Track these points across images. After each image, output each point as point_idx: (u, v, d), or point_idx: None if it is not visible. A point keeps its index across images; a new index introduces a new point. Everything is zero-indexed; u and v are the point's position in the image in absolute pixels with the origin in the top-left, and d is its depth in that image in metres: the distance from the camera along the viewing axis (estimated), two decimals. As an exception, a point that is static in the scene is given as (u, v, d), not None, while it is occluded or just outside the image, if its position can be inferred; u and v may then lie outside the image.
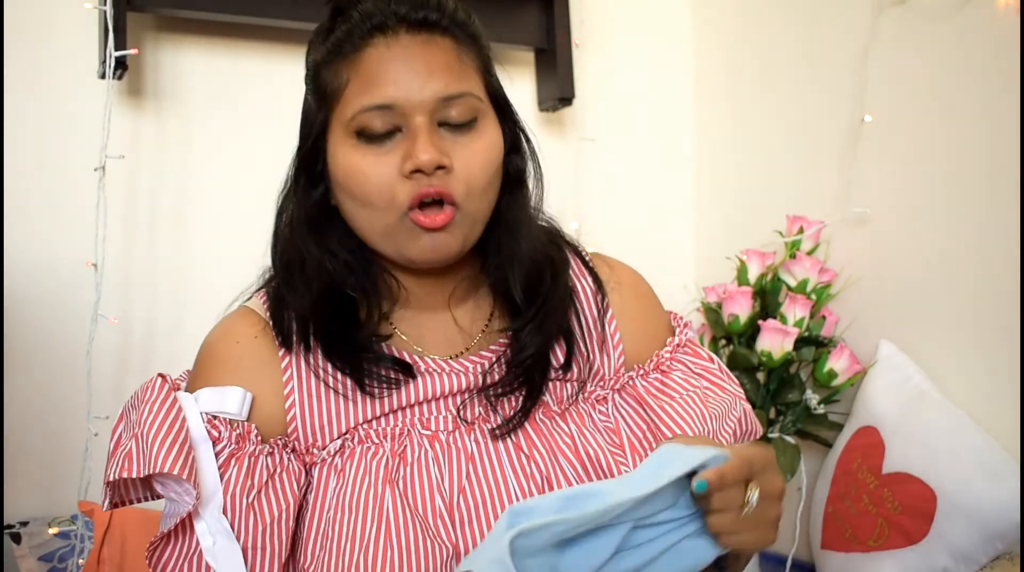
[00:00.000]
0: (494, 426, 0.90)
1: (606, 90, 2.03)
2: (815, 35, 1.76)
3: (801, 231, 1.64)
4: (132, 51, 1.50)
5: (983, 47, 1.42)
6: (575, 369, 0.94)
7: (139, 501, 0.89)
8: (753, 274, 1.67)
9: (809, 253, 1.63)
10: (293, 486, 0.87)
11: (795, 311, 1.56)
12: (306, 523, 0.88)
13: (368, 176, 0.83)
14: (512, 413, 0.90)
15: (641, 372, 0.96)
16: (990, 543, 1.30)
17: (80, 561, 1.43)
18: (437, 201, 0.83)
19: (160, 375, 0.88)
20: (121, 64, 1.51)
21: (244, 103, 1.75)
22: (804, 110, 1.78)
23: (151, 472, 0.79)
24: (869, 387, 1.52)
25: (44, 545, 1.45)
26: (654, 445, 0.92)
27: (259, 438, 0.87)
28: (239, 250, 1.73)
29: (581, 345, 0.95)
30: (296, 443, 0.89)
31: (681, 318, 1.03)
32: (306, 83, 0.90)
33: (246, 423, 0.88)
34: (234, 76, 1.74)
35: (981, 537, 1.30)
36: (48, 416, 1.58)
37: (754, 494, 0.75)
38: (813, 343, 1.60)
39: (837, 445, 1.55)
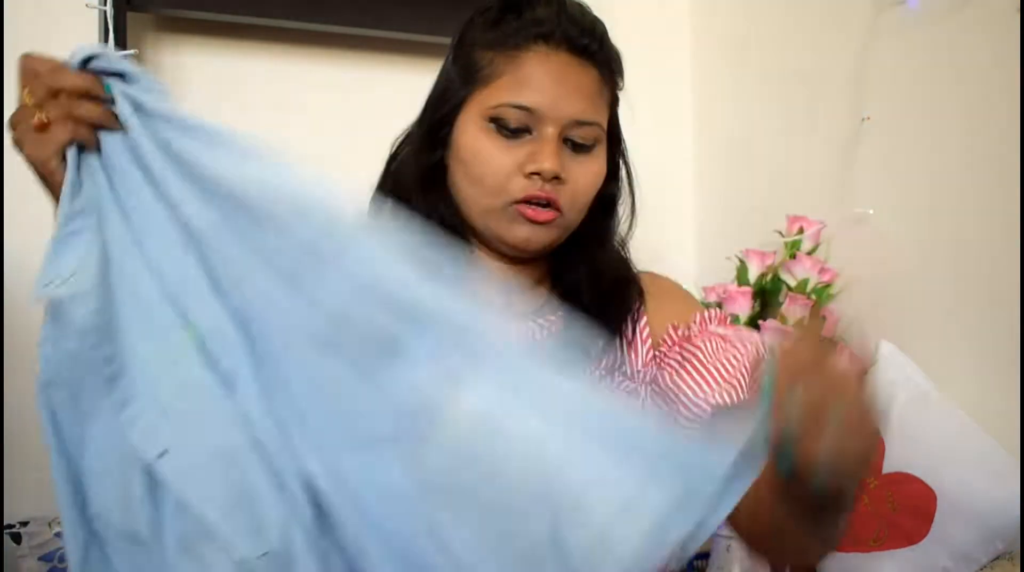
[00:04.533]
0: None
1: (606, 90, 2.03)
2: (815, 35, 1.76)
3: (801, 231, 1.64)
4: (132, 51, 1.51)
5: (983, 47, 1.42)
6: (605, 360, 0.98)
7: None
8: (753, 274, 1.66)
9: (809, 253, 1.63)
10: None
11: (795, 311, 1.56)
12: None
13: (490, 162, 0.90)
14: None
15: (664, 352, 1.00)
16: (990, 543, 1.30)
17: (80, 561, 1.43)
18: (544, 202, 0.91)
19: None
20: (121, 64, 1.51)
21: (244, 103, 1.74)
22: (804, 110, 1.78)
23: None
24: (869, 387, 1.52)
25: (44, 545, 1.45)
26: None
27: None
28: (239, 250, 1.74)
29: (614, 344, 1.00)
30: None
31: (717, 310, 1.07)
32: (454, 53, 0.96)
33: None
34: (234, 76, 1.74)
35: (981, 537, 1.30)
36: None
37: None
38: (813, 343, 1.59)
39: (837, 445, 1.55)
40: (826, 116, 1.71)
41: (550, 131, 0.90)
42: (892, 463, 1.42)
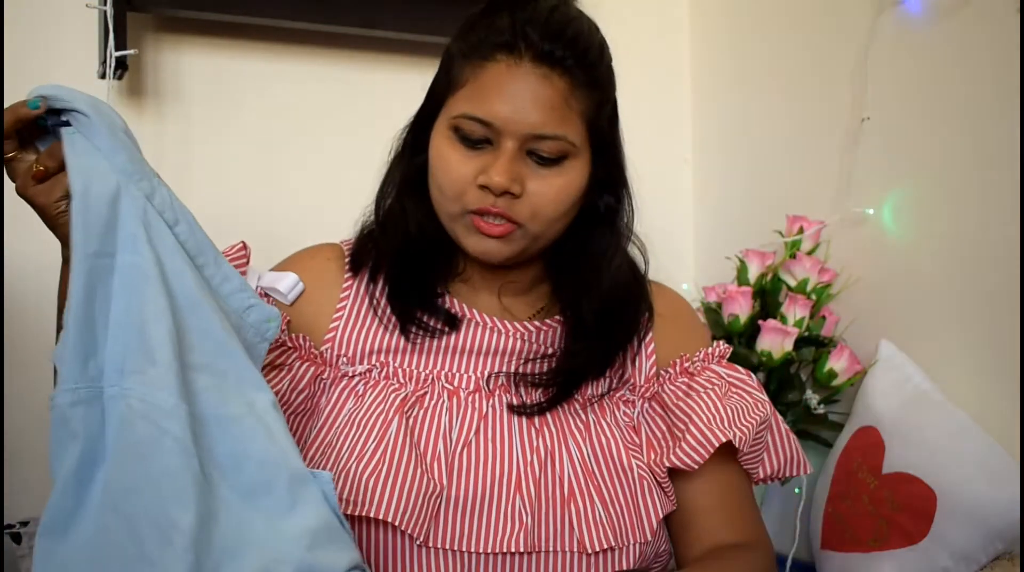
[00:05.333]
0: (514, 403, 0.94)
1: (606, 90, 2.02)
2: (815, 34, 1.76)
3: (801, 231, 1.64)
4: (132, 51, 1.51)
5: (983, 47, 1.42)
6: (607, 376, 0.99)
7: None
8: (753, 274, 1.67)
9: (809, 253, 1.63)
10: (283, 384, 0.93)
11: (795, 311, 1.56)
12: (313, 433, 0.93)
13: (450, 169, 0.90)
14: (536, 401, 0.95)
15: (670, 375, 1.00)
16: (990, 543, 1.30)
17: (80, 561, 1.43)
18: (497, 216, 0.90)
19: (243, 242, 1.00)
20: (121, 64, 1.51)
21: (244, 103, 1.75)
22: (804, 110, 1.78)
23: None
24: (869, 387, 1.52)
25: (44, 545, 1.45)
26: (670, 443, 0.95)
27: (286, 332, 0.95)
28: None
29: (618, 360, 1.00)
30: (327, 352, 0.96)
31: (723, 342, 1.06)
32: (442, 56, 0.95)
33: (284, 315, 0.95)
34: (234, 76, 1.74)
35: (981, 537, 1.30)
36: (48, 416, 1.57)
37: None
38: (813, 343, 1.60)
39: (837, 445, 1.55)
40: (826, 116, 1.71)
41: (509, 145, 0.88)
42: (892, 463, 1.42)
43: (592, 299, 0.97)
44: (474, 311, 0.98)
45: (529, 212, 0.90)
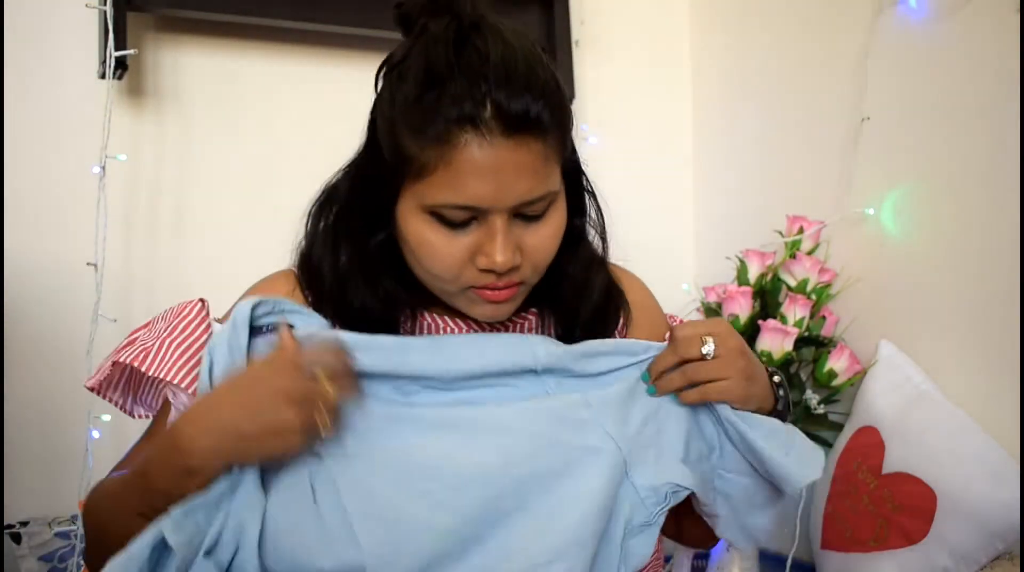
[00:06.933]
0: None
1: (606, 90, 2.03)
2: (815, 35, 1.76)
3: (801, 231, 1.64)
4: (132, 51, 1.51)
5: (983, 47, 1.42)
6: None
7: (113, 404, 0.94)
8: (753, 274, 1.67)
9: (809, 253, 1.63)
10: None
11: (795, 311, 1.56)
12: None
13: (438, 253, 0.84)
14: None
15: None
16: (990, 543, 1.30)
17: (80, 561, 1.43)
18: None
19: (201, 300, 0.92)
20: (121, 64, 1.51)
21: (244, 103, 1.75)
22: (804, 110, 1.78)
23: (159, 377, 0.85)
24: (869, 387, 1.52)
25: (44, 545, 1.45)
26: None
27: None
28: (239, 249, 1.74)
29: None
30: None
31: (676, 317, 1.07)
32: (379, 117, 0.86)
33: None
34: (234, 76, 1.74)
35: (981, 537, 1.30)
36: (48, 416, 1.58)
37: (708, 344, 0.86)
38: (813, 343, 1.60)
39: (837, 445, 1.55)
40: (826, 116, 1.71)
41: (499, 221, 0.82)
42: (892, 463, 1.42)
43: (580, 322, 0.95)
44: (447, 319, 0.96)
45: (531, 269, 0.87)
